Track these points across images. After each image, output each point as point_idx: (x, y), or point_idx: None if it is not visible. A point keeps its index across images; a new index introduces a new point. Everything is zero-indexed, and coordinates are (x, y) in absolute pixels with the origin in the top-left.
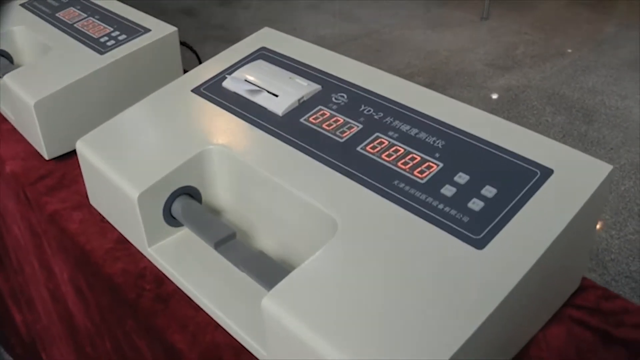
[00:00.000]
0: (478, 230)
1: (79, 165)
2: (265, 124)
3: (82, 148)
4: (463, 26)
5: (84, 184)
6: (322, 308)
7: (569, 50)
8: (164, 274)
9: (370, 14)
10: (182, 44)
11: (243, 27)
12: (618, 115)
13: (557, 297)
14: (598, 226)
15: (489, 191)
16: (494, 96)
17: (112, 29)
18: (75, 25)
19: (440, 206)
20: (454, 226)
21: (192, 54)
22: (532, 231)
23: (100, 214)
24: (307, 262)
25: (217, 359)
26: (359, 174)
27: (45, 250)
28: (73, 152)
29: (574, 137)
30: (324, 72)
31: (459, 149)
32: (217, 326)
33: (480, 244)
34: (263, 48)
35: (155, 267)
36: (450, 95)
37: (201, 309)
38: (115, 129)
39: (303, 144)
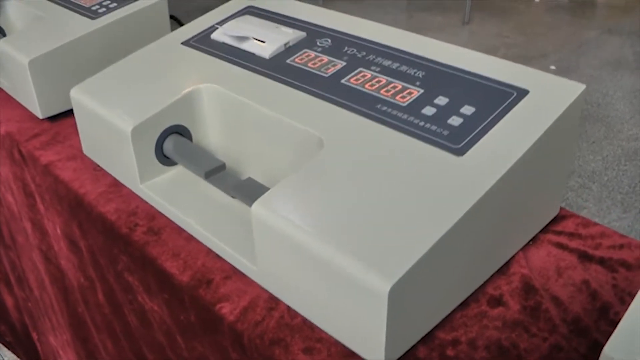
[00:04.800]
0: (457, 141)
1: (72, 124)
2: (254, 66)
3: (77, 94)
4: (445, 30)
5: (77, 140)
6: (310, 210)
7: (550, 52)
8: (155, 211)
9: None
10: (171, 17)
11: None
12: (600, 111)
13: (535, 219)
14: (584, 214)
15: (467, 110)
16: None
17: None
18: None
19: (422, 123)
20: (435, 139)
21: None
22: (509, 141)
23: (93, 164)
24: (296, 172)
25: (207, 280)
26: (343, 101)
27: (39, 209)
28: (66, 113)
29: None
30: (308, 22)
31: (439, 78)
32: (209, 252)
33: (459, 152)
34: (250, 6)
35: (147, 205)
36: None
37: (192, 239)
38: (108, 77)
39: (290, 80)
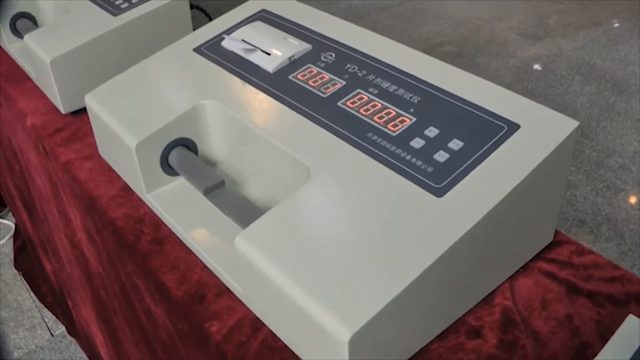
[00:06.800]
0: (440, 180)
1: None
2: (257, 81)
3: (91, 101)
4: None
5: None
6: (288, 247)
7: (604, 21)
8: (161, 219)
9: None
10: (197, 7)
11: None
12: None
13: (525, 249)
14: (621, 196)
15: (455, 144)
16: (523, 65)
17: None
18: None
19: (408, 157)
20: (418, 175)
21: (206, 16)
22: (491, 182)
23: (107, 164)
24: (280, 205)
25: (200, 295)
26: (336, 127)
27: (62, 199)
28: None
29: (601, 107)
30: (317, 32)
31: (434, 105)
32: (205, 267)
33: (439, 193)
34: (263, 10)
35: (154, 212)
36: (479, 64)
37: (192, 251)
38: (121, 84)
39: (289, 99)
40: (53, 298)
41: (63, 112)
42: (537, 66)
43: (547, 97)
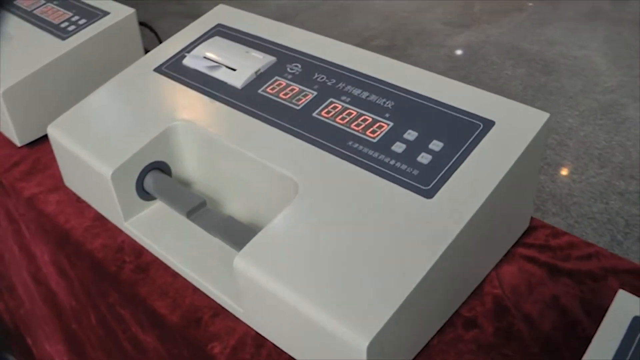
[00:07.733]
0: (427, 181)
1: (51, 150)
2: (226, 98)
3: (54, 132)
4: None
5: (57, 168)
6: (289, 263)
7: (527, 5)
8: (141, 246)
9: None
10: (141, 24)
11: (201, 1)
12: (576, 64)
13: (507, 238)
14: (562, 172)
15: (436, 145)
16: (454, 54)
17: (71, 14)
18: (34, 12)
19: (392, 162)
20: (405, 179)
21: (152, 32)
22: (477, 179)
23: (75, 195)
24: (274, 221)
25: (196, 319)
26: (315, 138)
27: (24, 235)
28: (44, 137)
29: (534, 88)
30: (278, 44)
31: (408, 108)
32: (195, 289)
33: (429, 194)
34: (219, 25)
35: (132, 239)
36: (411, 55)
37: (179, 275)
38: (84, 111)
39: (262, 114)
40: (7, 338)
41: (19, 144)
42: (467, 54)
43: (482, 83)
